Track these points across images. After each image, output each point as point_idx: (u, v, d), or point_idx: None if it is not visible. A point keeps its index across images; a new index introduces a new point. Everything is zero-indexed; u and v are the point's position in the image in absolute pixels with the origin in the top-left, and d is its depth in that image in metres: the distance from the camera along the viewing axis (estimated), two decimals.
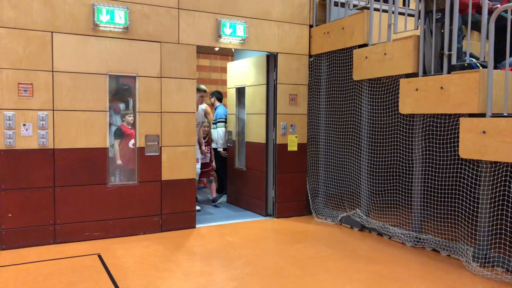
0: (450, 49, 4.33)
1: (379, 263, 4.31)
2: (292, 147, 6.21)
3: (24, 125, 4.64)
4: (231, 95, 7.24)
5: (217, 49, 8.40)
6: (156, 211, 5.32)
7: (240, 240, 5.08)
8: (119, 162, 5.36)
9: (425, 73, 4.63)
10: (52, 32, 4.74)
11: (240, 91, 7.01)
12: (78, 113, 4.87)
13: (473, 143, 4.00)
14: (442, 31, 4.39)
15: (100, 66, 4.98)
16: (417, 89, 4.61)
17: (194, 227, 5.59)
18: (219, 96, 7.79)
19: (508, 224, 4.02)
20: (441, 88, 4.32)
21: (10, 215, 4.60)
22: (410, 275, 4.01)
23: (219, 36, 5.60)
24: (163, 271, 4.04)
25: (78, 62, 4.86)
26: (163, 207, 5.36)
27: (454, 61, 4.29)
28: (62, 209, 4.82)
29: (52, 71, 4.74)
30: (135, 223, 5.21)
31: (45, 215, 4.75)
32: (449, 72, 4.34)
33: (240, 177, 6.88)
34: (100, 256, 4.42)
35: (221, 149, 7.40)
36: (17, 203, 4.62)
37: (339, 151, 5.96)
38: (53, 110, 4.76)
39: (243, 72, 6.82)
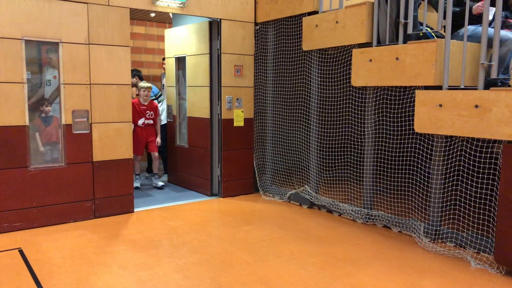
0: (406, 17, 4.09)
1: (331, 244, 4.12)
2: (239, 122, 5.83)
3: None
4: (170, 65, 6.66)
5: (153, 15, 7.70)
6: (88, 195, 4.74)
7: (184, 225, 4.67)
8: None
9: (379, 43, 4.39)
10: None
11: (180, 61, 6.45)
12: None
13: (429, 116, 3.84)
14: None
15: (13, 29, 4.22)
16: (370, 60, 4.37)
17: (132, 211, 5.09)
18: (140, 74, 7.14)
19: (462, 199, 3.96)
20: (397, 59, 4.10)
21: None
22: (364, 255, 3.85)
23: None
24: (97, 266, 3.55)
25: None
26: (96, 191, 4.79)
27: (410, 30, 4.07)
28: None
29: None
30: (64, 210, 4.61)
31: None
32: (404, 42, 4.12)
33: (182, 155, 6.41)
34: (21, 251, 3.82)
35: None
36: None
37: (287, 126, 5.67)
38: None
39: (183, 40, 6.25)
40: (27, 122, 4.36)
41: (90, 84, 4.67)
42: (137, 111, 6.17)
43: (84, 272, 3.42)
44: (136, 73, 7.04)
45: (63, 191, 4.59)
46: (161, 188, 6.34)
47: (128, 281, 3.27)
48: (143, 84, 6.29)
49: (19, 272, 3.39)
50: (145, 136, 6.30)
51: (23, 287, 3.14)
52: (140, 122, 6.21)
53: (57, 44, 4.49)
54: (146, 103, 6.28)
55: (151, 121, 6.32)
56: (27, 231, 4.36)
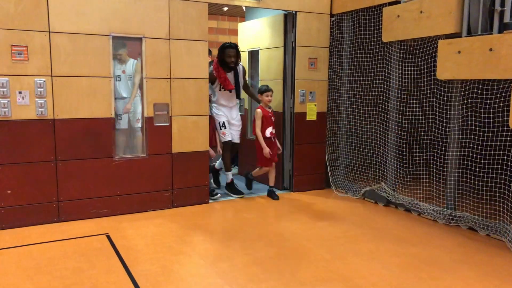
0: (502, 5, 3.78)
1: (413, 244, 3.94)
2: (311, 116, 5.75)
3: (20, 92, 4.17)
4: (243, 59, 6.68)
5: (225, 9, 7.80)
6: (167, 185, 4.92)
7: (258, 218, 4.70)
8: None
9: (469, 33, 4.10)
10: None
11: (253, 55, 6.48)
12: (79, 79, 4.39)
13: None
14: None
15: (102, 26, 4.45)
16: (459, 52, 4.09)
17: (207, 202, 5.22)
18: None
19: None
20: (490, 50, 3.81)
21: (9, 191, 4.21)
22: (450, 258, 3.65)
23: None
24: (178, 254, 3.67)
25: (77, 21, 4.33)
26: (175, 182, 4.96)
27: (507, 19, 3.75)
28: (66, 185, 4.42)
29: (49, 31, 4.22)
30: (145, 199, 4.82)
31: (47, 191, 4.35)
32: (500, 32, 3.81)
33: (253, 148, 6.44)
34: (108, 237, 4.05)
35: None
36: (17, 178, 4.22)
37: (363, 120, 5.50)
38: (52, 76, 4.27)
39: (257, 34, 6.26)
40: (113, 115, 4.59)
41: (170, 78, 4.81)
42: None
43: (167, 260, 3.54)
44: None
45: (144, 181, 4.80)
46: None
47: (209, 272, 3.35)
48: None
49: (109, 257, 3.58)
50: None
51: (114, 271, 3.32)
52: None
53: (140, 39, 4.67)
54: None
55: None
56: (112, 218, 4.61)
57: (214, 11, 8.03)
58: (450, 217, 4.44)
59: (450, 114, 4.40)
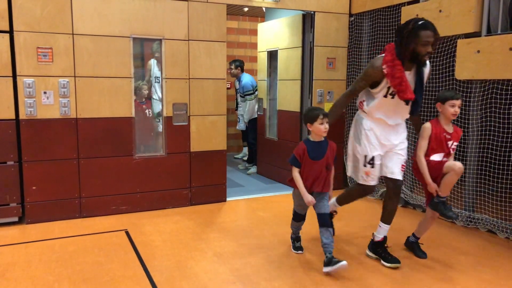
0: None
1: (429, 246, 3.89)
2: None
3: (45, 93, 4.34)
4: (262, 59, 6.76)
5: (246, 9, 7.86)
6: (185, 184, 5.02)
7: (273, 216, 4.74)
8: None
9: (489, 33, 4.03)
10: None
11: (272, 55, 6.52)
12: (100, 79, 4.53)
13: None
14: None
15: (123, 28, 4.57)
16: (478, 51, 4.03)
17: (225, 200, 5.29)
18: (243, 66, 7.28)
19: None
20: (510, 49, 3.74)
21: (34, 188, 4.38)
22: (467, 260, 3.60)
23: None
24: (193, 251, 3.76)
25: (99, 23, 4.47)
26: (193, 180, 5.05)
27: None
28: (87, 182, 4.58)
29: (72, 33, 4.37)
30: (164, 197, 4.93)
31: (70, 188, 4.51)
32: None
33: (271, 148, 6.50)
34: (127, 233, 4.17)
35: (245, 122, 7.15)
36: (41, 175, 4.39)
37: None
38: (75, 76, 4.43)
39: (276, 34, 6.30)
40: (133, 114, 4.71)
41: (189, 78, 4.91)
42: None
43: (182, 256, 3.63)
44: (239, 64, 7.22)
45: (163, 179, 4.91)
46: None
47: (223, 268, 3.41)
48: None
49: (127, 252, 3.70)
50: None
51: (130, 265, 3.42)
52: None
53: (160, 40, 4.77)
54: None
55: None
56: (132, 214, 4.74)
57: (235, 11, 8.11)
58: (469, 219, 4.37)
59: (469, 114, 4.34)
